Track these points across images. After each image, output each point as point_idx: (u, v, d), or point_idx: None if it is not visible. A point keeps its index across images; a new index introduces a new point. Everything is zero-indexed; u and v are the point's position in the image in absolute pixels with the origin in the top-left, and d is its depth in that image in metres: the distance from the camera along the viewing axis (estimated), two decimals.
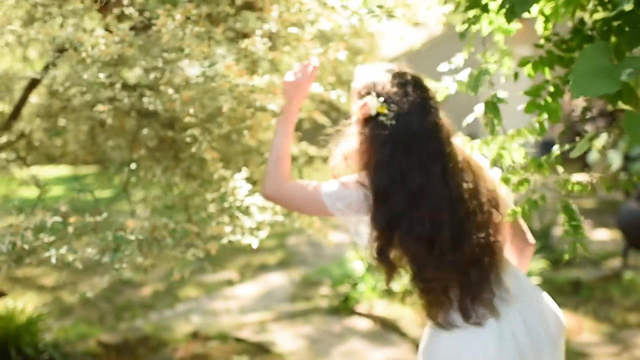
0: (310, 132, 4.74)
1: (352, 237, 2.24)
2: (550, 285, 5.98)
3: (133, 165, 2.90)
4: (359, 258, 6.43)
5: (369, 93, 2.11)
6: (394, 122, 2.06)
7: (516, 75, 2.28)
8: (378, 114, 2.08)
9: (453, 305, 2.08)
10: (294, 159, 3.42)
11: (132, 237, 2.43)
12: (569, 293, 6.18)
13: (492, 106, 1.99)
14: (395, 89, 2.12)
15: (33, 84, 3.14)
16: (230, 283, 7.20)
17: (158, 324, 5.79)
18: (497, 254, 2.11)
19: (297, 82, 2.27)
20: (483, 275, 2.08)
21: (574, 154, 1.73)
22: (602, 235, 8.25)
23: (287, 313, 6.02)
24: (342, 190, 2.10)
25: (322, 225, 8.85)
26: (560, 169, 2.02)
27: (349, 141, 2.19)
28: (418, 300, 2.14)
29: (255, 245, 2.63)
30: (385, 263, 2.10)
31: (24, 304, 4.28)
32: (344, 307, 5.92)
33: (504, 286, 2.11)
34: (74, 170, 5.08)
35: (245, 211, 2.76)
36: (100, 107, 2.26)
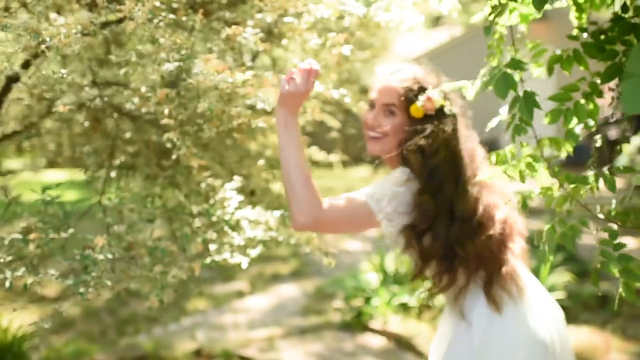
0: (315, 136, 4.42)
1: (390, 242, 2.25)
2: (575, 300, 5.55)
3: (113, 173, 2.60)
4: (373, 270, 6.09)
5: (423, 88, 2.19)
6: (455, 113, 2.20)
7: (551, 71, 1.92)
8: (441, 107, 2.17)
9: (478, 288, 2.20)
10: None
11: (100, 257, 2.11)
12: (595, 308, 5.67)
13: (523, 102, 1.61)
14: (442, 84, 2.21)
15: (10, 83, 2.85)
16: (240, 294, 6.88)
17: (160, 340, 5.47)
18: (514, 242, 2.27)
19: (297, 92, 1.95)
20: (506, 260, 2.22)
21: (636, 180, 1.40)
22: (629, 243, 7.79)
23: (298, 328, 5.68)
24: (393, 190, 2.09)
25: (336, 235, 8.32)
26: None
27: (400, 136, 2.21)
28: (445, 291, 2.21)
29: (244, 266, 2.31)
30: (423, 252, 2.15)
31: (8, 322, 3.98)
32: (357, 322, 5.57)
33: (521, 273, 2.27)
34: (74, 175, 4.83)
35: (236, 226, 2.44)
36: (60, 108, 1.95)
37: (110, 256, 2.13)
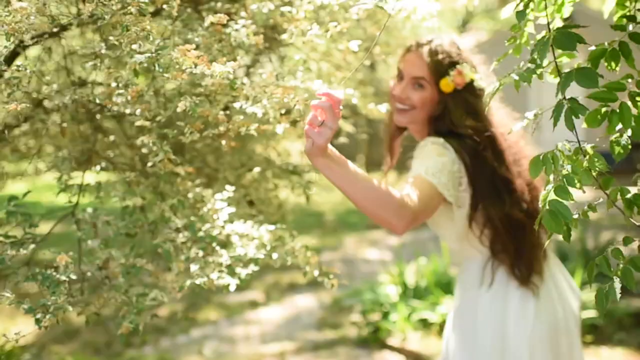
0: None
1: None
2: (608, 318, 5.13)
3: (92, 180, 2.32)
4: (392, 282, 5.76)
5: (454, 62, 2.20)
6: (484, 87, 2.18)
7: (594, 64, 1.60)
8: (471, 82, 2.17)
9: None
10: (299, 174, 2.80)
11: (63, 277, 1.84)
12: (630, 327, 5.17)
13: (580, 74, 1.26)
14: (474, 59, 2.27)
15: None
16: (254, 305, 6.60)
17: (166, 353, 5.21)
18: None
19: (332, 134, 1.65)
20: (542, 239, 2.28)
21: None
22: None
23: (311, 343, 5.38)
24: (441, 161, 2.09)
25: (359, 241, 8.00)
26: None
27: (428, 109, 2.26)
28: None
29: (232, 288, 2.03)
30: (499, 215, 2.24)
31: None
32: (374, 338, 5.25)
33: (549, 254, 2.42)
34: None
35: (226, 242, 2.16)
36: (12, 106, 1.67)
37: (74, 277, 1.85)
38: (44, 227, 2.20)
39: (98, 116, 2.32)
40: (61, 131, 2.12)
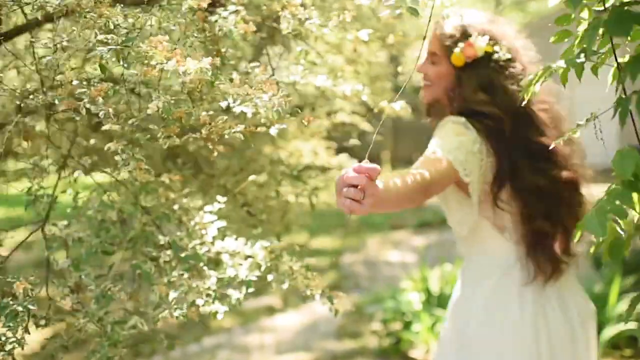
0: (363, 137, 3.83)
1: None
2: None
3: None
4: (415, 289, 5.45)
5: (467, 35, 2.10)
6: (505, 59, 2.09)
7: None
8: (486, 54, 2.09)
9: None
10: (304, 181, 2.52)
11: (20, 308, 1.58)
12: None
13: None
14: (495, 30, 2.14)
15: None
16: (270, 311, 6.32)
17: None
18: None
19: (372, 203, 1.46)
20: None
21: None
22: None
23: (329, 354, 5.10)
24: (458, 139, 2.02)
25: (382, 242, 7.62)
26: None
27: (444, 84, 2.18)
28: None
29: (220, 316, 1.76)
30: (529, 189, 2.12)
31: None
32: (395, 349, 4.94)
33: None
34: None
35: (216, 261, 1.89)
36: None
37: (33, 307, 1.59)
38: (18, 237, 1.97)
39: (77, 118, 2.06)
40: (25, 135, 1.86)
